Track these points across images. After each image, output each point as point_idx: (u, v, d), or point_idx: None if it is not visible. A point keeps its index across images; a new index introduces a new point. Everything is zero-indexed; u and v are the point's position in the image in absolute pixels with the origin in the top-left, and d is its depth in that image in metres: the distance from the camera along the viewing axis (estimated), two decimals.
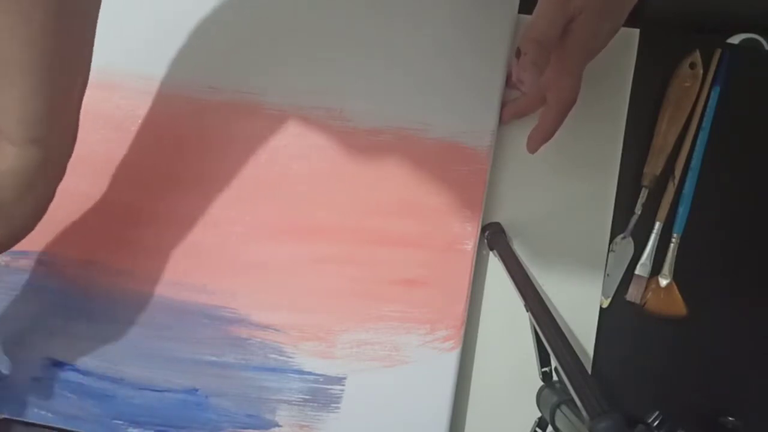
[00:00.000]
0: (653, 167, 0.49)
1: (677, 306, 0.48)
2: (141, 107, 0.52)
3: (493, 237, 0.48)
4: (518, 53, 0.39)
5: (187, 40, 0.53)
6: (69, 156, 0.42)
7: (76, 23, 0.39)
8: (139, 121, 0.52)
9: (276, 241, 0.49)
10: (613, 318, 0.48)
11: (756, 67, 0.52)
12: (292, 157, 0.51)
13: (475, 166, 0.49)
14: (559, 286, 0.48)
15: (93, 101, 0.52)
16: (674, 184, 0.50)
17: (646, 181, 0.49)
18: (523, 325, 0.43)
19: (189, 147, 0.51)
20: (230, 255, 0.49)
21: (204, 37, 0.53)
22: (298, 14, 0.53)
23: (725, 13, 0.56)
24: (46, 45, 0.37)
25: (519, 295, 0.43)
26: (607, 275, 0.49)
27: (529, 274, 0.45)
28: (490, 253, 0.49)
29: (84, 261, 0.49)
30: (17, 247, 0.48)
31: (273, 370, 0.47)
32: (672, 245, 0.49)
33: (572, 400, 0.35)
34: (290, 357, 0.47)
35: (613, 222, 0.49)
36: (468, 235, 0.48)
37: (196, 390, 0.47)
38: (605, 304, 0.48)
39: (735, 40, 0.55)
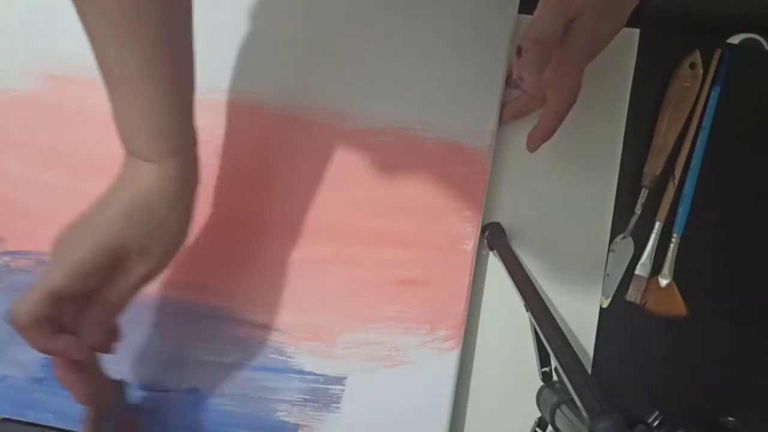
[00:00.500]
0: (653, 167, 0.49)
1: (677, 306, 0.48)
2: None
3: (493, 237, 0.48)
4: (519, 51, 0.39)
5: None
6: (199, 163, 0.43)
7: (182, 30, 0.40)
8: None
9: (276, 241, 0.49)
10: (613, 318, 0.48)
11: (756, 67, 0.52)
12: (292, 158, 0.51)
13: (475, 166, 0.49)
14: (559, 286, 0.48)
15: (92, 100, 0.52)
16: (674, 184, 0.50)
17: (646, 181, 0.49)
18: (523, 325, 0.43)
19: None
20: (230, 255, 0.49)
21: (204, 37, 0.53)
22: (299, 14, 0.53)
23: (725, 13, 0.56)
24: (161, 55, 0.38)
25: (519, 295, 0.43)
26: (607, 275, 0.49)
27: (529, 274, 0.45)
28: (490, 253, 0.49)
29: None
30: (17, 247, 0.48)
31: (273, 370, 0.47)
32: (672, 245, 0.49)
33: (572, 400, 0.35)
34: (290, 357, 0.47)
35: (613, 222, 0.49)
36: (468, 235, 0.48)
37: (196, 390, 0.47)
38: (605, 304, 0.48)
39: (735, 40, 0.55)
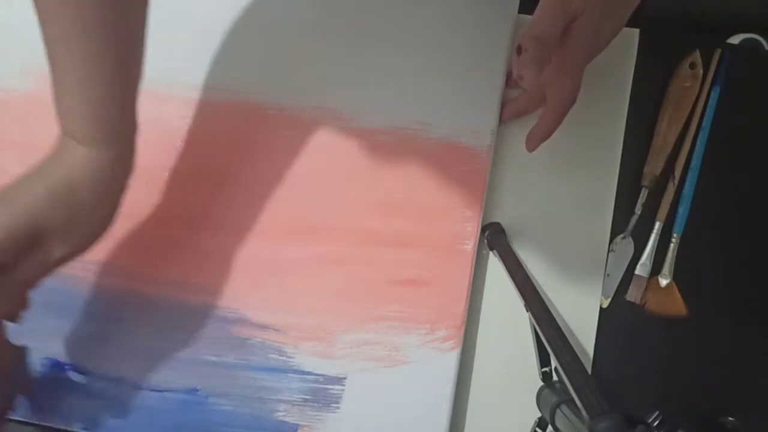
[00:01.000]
0: (653, 167, 0.49)
1: (677, 306, 0.48)
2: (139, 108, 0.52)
3: (493, 237, 0.48)
4: (519, 50, 0.39)
5: (187, 42, 0.53)
6: (135, 152, 0.42)
7: (129, 22, 0.39)
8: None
9: (276, 241, 0.49)
10: (613, 318, 0.48)
11: (756, 67, 0.52)
12: (292, 157, 0.51)
13: (475, 166, 0.49)
14: (559, 286, 0.48)
15: None
16: (674, 184, 0.50)
17: (646, 181, 0.49)
18: (523, 325, 0.43)
19: (188, 147, 0.51)
20: (230, 255, 0.49)
21: (204, 38, 0.53)
22: (299, 14, 0.53)
23: (725, 13, 0.56)
24: (108, 35, 0.37)
25: (519, 295, 0.43)
26: (607, 275, 0.49)
27: (529, 274, 0.45)
28: (490, 253, 0.49)
29: (84, 261, 0.49)
30: None
31: (273, 370, 0.47)
32: (672, 245, 0.49)
33: (572, 400, 0.35)
34: (290, 357, 0.47)
35: (613, 222, 0.49)
36: (468, 235, 0.48)
37: (196, 390, 0.47)
38: (605, 304, 0.48)
39: (735, 40, 0.55)
